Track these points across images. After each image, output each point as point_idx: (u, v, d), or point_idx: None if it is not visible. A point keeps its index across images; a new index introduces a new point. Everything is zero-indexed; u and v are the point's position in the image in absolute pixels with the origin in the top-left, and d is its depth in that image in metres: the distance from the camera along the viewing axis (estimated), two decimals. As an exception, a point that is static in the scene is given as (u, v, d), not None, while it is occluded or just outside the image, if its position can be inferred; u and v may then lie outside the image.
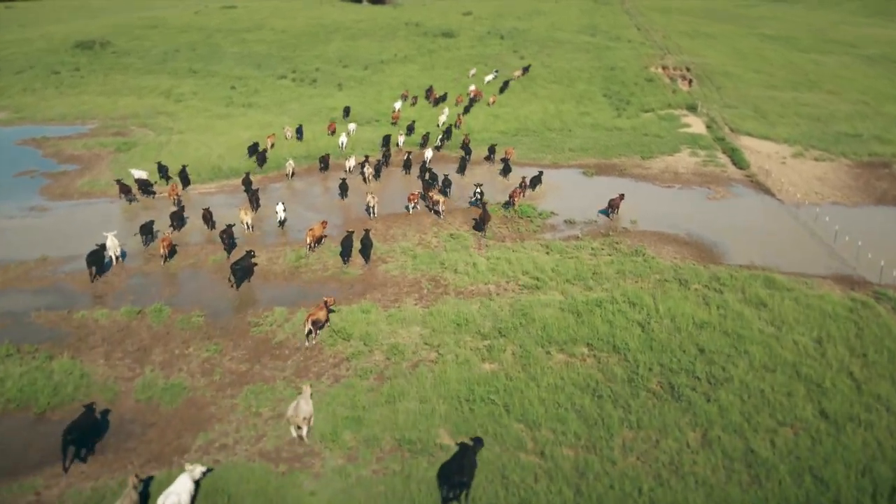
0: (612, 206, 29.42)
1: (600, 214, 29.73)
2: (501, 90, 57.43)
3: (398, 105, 51.28)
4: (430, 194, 30.42)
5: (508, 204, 30.30)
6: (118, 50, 76.39)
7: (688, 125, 46.73)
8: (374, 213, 29.94)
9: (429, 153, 38.39)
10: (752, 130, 44.61)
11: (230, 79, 63.18)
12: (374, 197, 30.06)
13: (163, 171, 34.79)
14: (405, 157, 37.38)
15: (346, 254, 24.70)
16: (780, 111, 49.59)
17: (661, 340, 18.42)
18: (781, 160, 38.57)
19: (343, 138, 41.51)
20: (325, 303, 19.72)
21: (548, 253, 25.31)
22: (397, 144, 41.87)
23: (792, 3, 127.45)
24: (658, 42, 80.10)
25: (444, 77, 62.28)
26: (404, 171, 36.72)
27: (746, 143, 42.04)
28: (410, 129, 44.44)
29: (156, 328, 19.86)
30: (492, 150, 39.23)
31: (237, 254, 24.77)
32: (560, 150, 40.68)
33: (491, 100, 53.86)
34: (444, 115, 47.43)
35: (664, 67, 65.73)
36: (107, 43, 78.70)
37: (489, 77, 62.37)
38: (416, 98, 54.79)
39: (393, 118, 48.17)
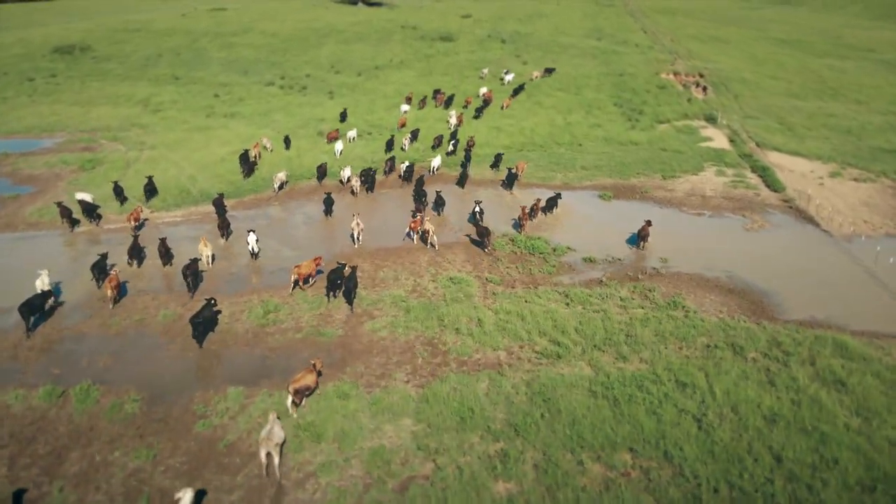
0: (642, 237, 25.75)
1: (628, 245, 26.01)
2: (515, 93, 53.48)
3: (405, 108, 48.27)
4: (425, 219, 26.50)
5: (517, 226, 27.46)
6: (98, 55, 72.26)
7: (709, 138, 42.76)
8: (358, 240, 26.04)
9: (437, 161, 35.60)
10: (780, 145, 40.66)
11: (214, 86, 59.12)
12: (359, 222, 26.06)
13: (118, 192, 30.65)
14: (405, 167, 34.23)
15: (332, 289, 21.52)
16: (806, 123, 45.65)
17: (724, 443, 14.23)
18: (818, 180, 34.55)
19: (339, 145, 38.89)
20: (314, 366, 16.75)
21: (567, 304, 21.12)
22: (402, 149, 38.99)
23: (796, 6, 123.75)
24: (667, 46, 76.14)
25: (443, 83, 58.10)
26: (403, 182, 33.90)
27: (776, 160, 38.00)
28: (415, 135, 41.24)
29: (78, 419, 15.61)
30: (498, 158, 35.93)
31: (196, 303, 20.74)
32: (571, 167, 36.65)
33: (504, 103, 49.96)
34: (453, 118, 45.03)
35: (676, 73, 61.82)
36: (87, 48, 74.62)
37: (508, 77, 58.81)
38: (423, 101, 51.55)
39: (399, 123, 44.81)
